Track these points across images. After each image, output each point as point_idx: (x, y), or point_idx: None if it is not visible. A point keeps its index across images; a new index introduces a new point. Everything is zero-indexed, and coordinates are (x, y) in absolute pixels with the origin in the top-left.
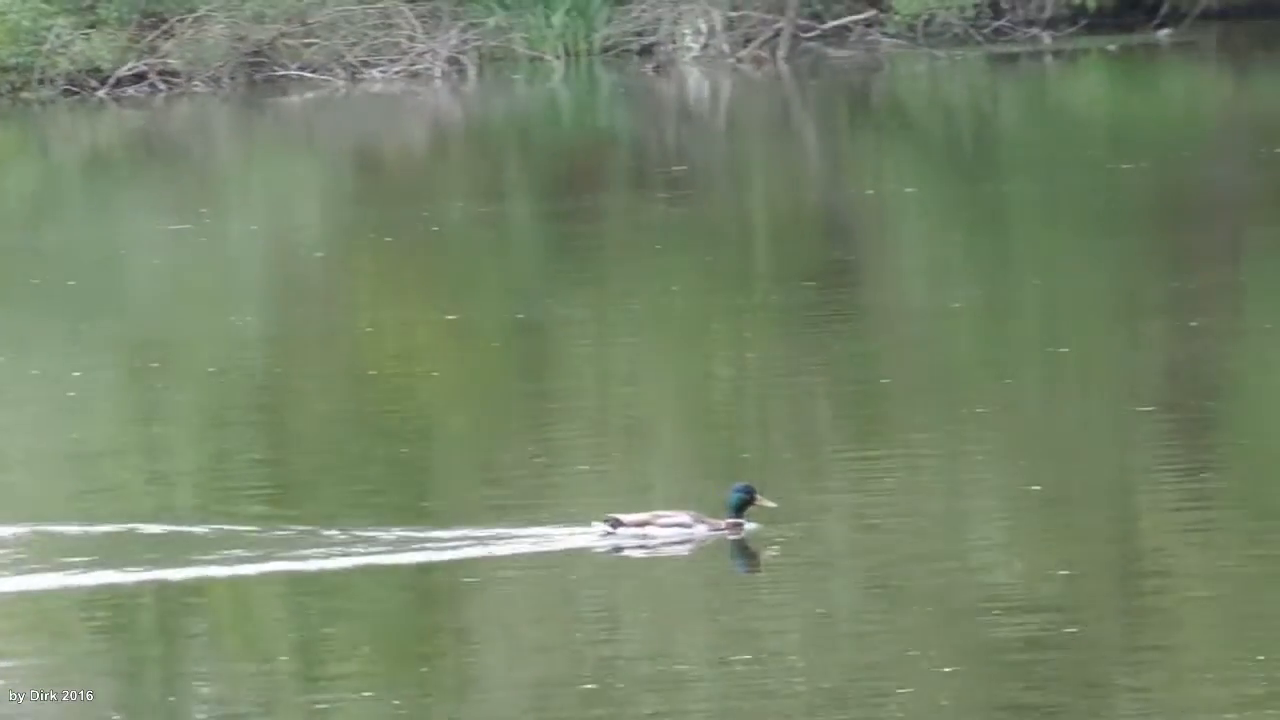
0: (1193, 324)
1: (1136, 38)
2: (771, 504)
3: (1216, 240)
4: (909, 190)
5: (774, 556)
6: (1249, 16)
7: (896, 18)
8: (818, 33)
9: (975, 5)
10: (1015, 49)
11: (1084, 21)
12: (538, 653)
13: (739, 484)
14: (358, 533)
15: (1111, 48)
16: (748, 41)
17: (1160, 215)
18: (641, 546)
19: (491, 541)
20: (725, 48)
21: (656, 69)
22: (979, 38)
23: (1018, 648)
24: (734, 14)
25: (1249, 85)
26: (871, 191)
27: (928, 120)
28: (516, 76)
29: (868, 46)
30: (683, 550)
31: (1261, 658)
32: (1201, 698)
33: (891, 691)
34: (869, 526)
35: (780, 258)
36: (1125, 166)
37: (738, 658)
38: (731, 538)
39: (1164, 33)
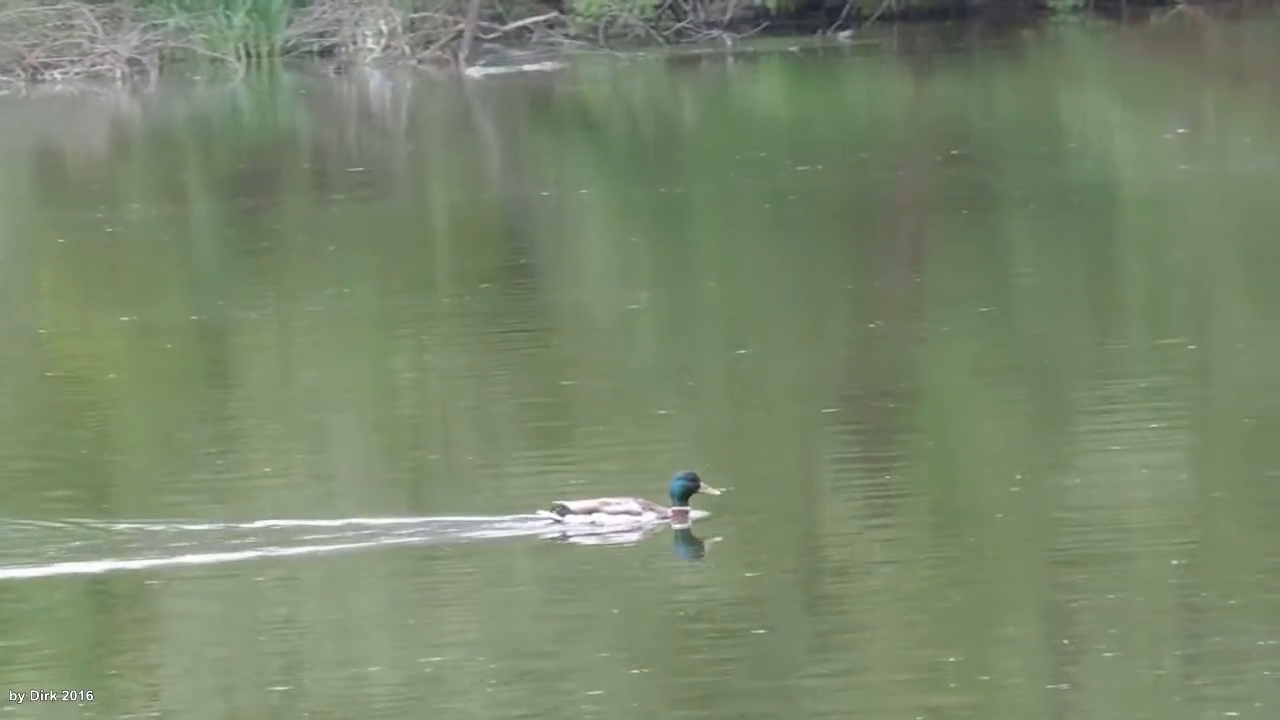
0: (871, 326)
1: (818, 40)
2: (715, 491)
3: (895, 243)
4: (586, 192)
5: (454, 559)
6: (929, 19)
7: (577, 19)
8: (499, 34)
9: (656, 7)
10: (697, 51)
11: (765, 23)
12: (222, 658)
13: (682, 471)
14: (36, 533)
15: (793, 50)
16: (429, 43)
17: (839, 218)
18: (590, 534)
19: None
20: (406, 49)
21: (338, 71)
22: (660, 39)
23: (706, 648)
24: (415, 15)
25: (928, 87)
26: (548, 193)
27: (607, 122)
28: (197, 78)
29: (549, 48)
30: (625, 539)
31: (953, 658)
32: (890, 697)
33: (580, 693)
34: (553, 530)
35: (458, 259)
36: (803, 169)
37: (425, 661)
38: (677, 526)
39: (845, 35)
